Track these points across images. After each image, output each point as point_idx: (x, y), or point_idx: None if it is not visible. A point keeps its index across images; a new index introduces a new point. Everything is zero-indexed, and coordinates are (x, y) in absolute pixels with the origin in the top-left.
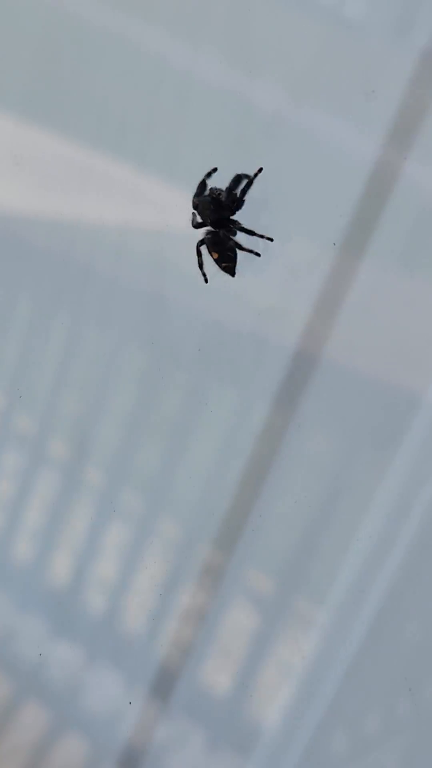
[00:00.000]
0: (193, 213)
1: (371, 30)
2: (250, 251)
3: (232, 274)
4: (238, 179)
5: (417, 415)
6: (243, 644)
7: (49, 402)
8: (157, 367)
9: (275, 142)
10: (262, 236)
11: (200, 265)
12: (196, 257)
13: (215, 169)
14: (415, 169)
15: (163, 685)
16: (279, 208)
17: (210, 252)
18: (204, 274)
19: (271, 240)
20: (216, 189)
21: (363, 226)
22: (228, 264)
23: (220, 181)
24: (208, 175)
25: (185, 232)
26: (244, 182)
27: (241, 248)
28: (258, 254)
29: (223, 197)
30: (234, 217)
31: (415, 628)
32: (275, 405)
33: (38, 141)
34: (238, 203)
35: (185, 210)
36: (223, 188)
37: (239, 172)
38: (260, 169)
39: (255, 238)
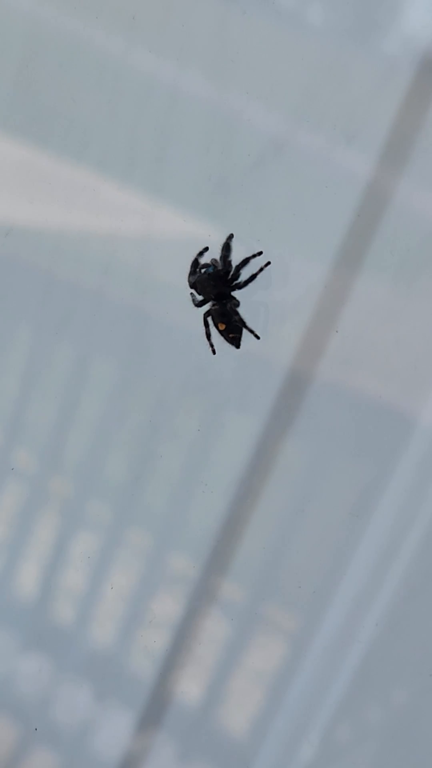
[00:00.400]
0: (191, 293)
1: (359, 49)
2: (251, 331)
3: (237, 345)
4: (227, 246)
5: (412, 434)
6: (214, 652)
7: (22, 418)
8: (138, 382)
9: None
10: (261, 269)
11: (208, 336)
12: (202, 325)
13: (206, 249)
14: (405, 187)
15: (134, 696)
16: (272, 222)
17: (216, 324)
18: (212, 345)
19: (269, 263)
20: (210, 262)
21: (357, 246)
22: (235, 335)
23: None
24: (200, 254)
25: (169, 245)
26: (233, 251)
27: (246, 327)
28: (258, 337)
29: (219, 267)
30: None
31: (386, 634)
32: (269, 422)
33: (15, 153)
34: (235, 273)
35: (171, 222)
36: (216, 259)
37: (228, 238)
38: (231, 235)
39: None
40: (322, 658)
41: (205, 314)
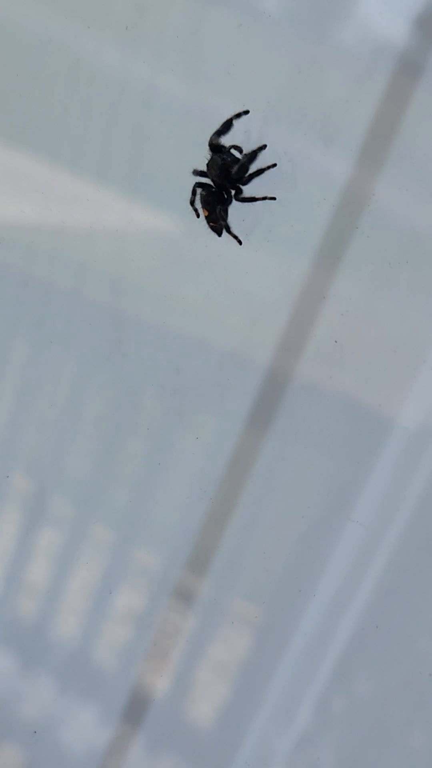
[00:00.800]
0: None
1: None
2: (235, 237)
3: (219, 234)
4: (254, 155)
5: (391, 434)
6: (179, 645)
7: (9, 436)
8: (123, 390)
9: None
10: (264, 198)
11: (191, 202)
12: (190, 203)
13: (247, 112)
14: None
15: (100, 690)
16: (249, 220)
17: (203, 205)
18: (195, 210)
19: (274, 199)
20: (233, 155)
21: (335, 245)
22: (215, 225)
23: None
24: (238, 115)
25: (146, 243)
26: (258, 165)
27: (229, 231)
28: (240, 242)
29: (233, 171)
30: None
31: (349, 624)
32: (248, 426)
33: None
34: (244, 181)
35: (145, 224)
36: (242, 154)
37: (258, 148)
38: (264, 146)
39: (257, 202)
40: (290, 651)
41: (196, 183)
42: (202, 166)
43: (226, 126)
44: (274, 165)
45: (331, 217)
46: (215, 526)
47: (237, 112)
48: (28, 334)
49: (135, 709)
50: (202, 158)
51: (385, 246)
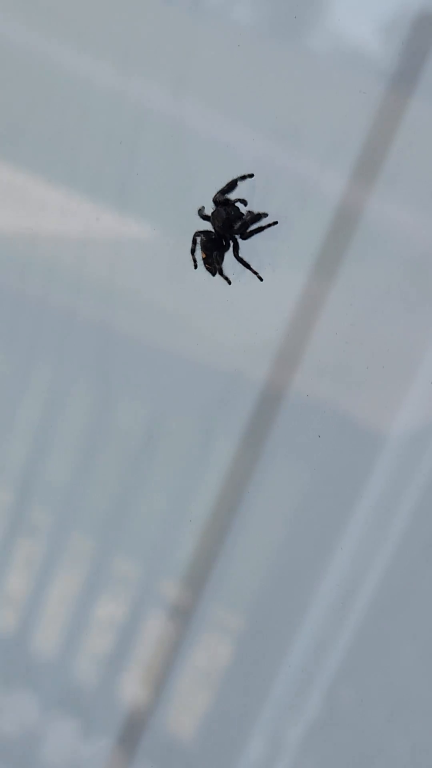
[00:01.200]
0: (202, 207)
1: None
2: (225, 278)
3: (213, 274)
4: (257, 217)
5: (383, 450)
6: (159, 654)
7: None
8: (111, 402)
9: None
10: (253, 272)
11: (192, 251)
12: (190, 252)
13: (252, 175)
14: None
15: (79, 702)
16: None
17: (201, 249)
18: (194, 260)
19: (276, 223)
20: (237, 210)
21: (330, 258)
22: (210, 267)
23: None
24: (242, 178)
25: (139, 257)
26: (259, 222)
27: (221, 274)
28: (229, 282)
29: (236, 226)
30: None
31: (331, 632)
32: (241, 441)
33: None
34: (244, 236)
35: (138, 239)
36: (245, 211)
37: (264, 213)
38: (275, 222)
39: (245, 270)
40: (275, 662)
41: (196, 232)
42: (194, 184)
43: (231, 186)
44: (275, 223)
45: (326, 234)
46: (198, 536)
47: (242, 174)
48: (5, 346)
49: (117, 722)
50: (193, 177)
51: (380, 263)
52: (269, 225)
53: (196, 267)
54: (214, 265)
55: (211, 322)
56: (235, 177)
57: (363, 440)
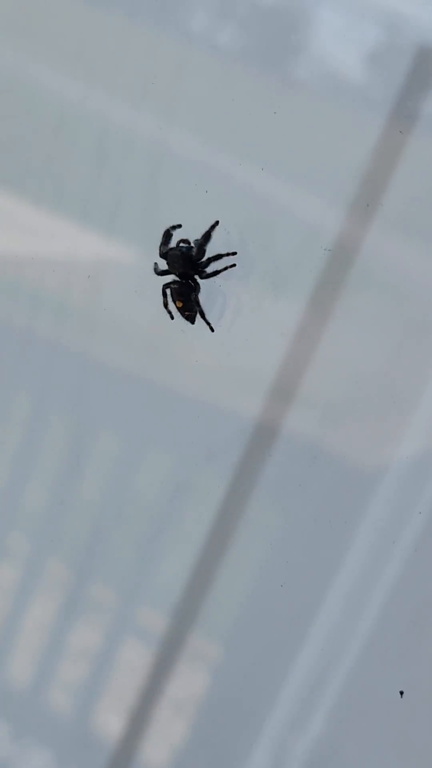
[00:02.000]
0: (156, 263)
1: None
2: (207, 323)
3: (192, 321)
4: (208, 235)
5: (378, 489)
6: (135, 683)
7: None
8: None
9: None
10: (225, 268)
11: (165, 305)
12: (161, 298)
13: (179, 226)
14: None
15: (53, 731)
16: (241, 265)
17: (174, 300)
18: (170, 312)
19: (234, 265)
20: (185, 243)
21: (328, 289)
22: (190, 313)
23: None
24: (173, 228)
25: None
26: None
27: (203, 316)
28: (212, 329)
29: (193, 253)
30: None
31: (307, 660)
32: (224, 472)
33: None
34: (204, 263)
35: (121, 266)
36: (192, 241)
37: (211, 227)
38: (216, 222)
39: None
40: (249, 691)
41: (164, 285)
42: (179, 210)
43: (166, 236)
44: (234, 253)
45: (321, 268)
46: (176, 564)
47: (172, 224)
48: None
49: (91, 753)
50: (179, 203)
51: (377, 297)
52: (228, 254)
53: (173, 318)
54: (193, 311)
55: (202, 356)
56: (167, 227)
57: (358, 478)
